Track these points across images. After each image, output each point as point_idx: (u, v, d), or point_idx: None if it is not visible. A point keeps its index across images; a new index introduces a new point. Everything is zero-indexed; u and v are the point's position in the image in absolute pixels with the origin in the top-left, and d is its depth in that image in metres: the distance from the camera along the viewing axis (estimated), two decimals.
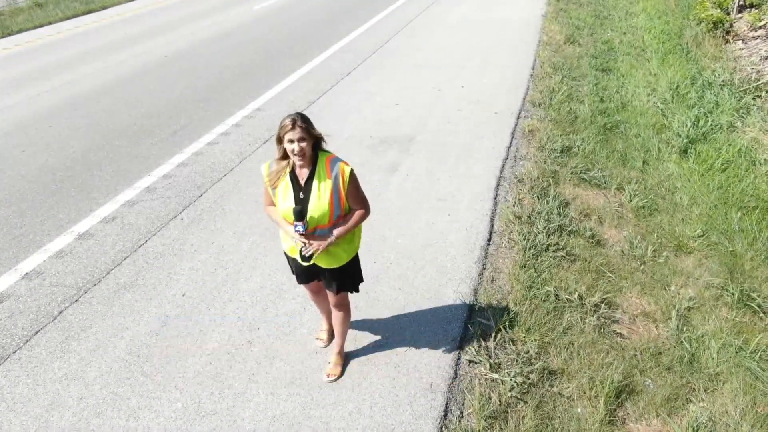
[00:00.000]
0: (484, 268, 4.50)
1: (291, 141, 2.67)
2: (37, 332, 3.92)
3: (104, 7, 16.25)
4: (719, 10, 11.92)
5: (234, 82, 9.12)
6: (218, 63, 10.22)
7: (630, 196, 5.70)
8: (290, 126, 2.65)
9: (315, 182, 2.81)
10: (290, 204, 2.81)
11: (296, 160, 2.74)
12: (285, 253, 3.21)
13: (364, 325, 3.89)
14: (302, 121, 2.68)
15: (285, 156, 2.78)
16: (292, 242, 2.98)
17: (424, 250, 4.72)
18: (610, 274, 4.60)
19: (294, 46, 11.13)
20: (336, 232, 2.91)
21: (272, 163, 2.87)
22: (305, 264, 3.00)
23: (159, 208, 5.43)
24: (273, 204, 2.97)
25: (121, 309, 4.12)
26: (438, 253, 4.66)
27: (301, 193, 2.83)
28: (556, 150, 6.37)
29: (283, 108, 7.84)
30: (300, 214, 2.78)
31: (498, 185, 5.70)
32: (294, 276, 3.36)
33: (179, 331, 3.88)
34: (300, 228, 2.81)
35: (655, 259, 4.85)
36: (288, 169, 2.82)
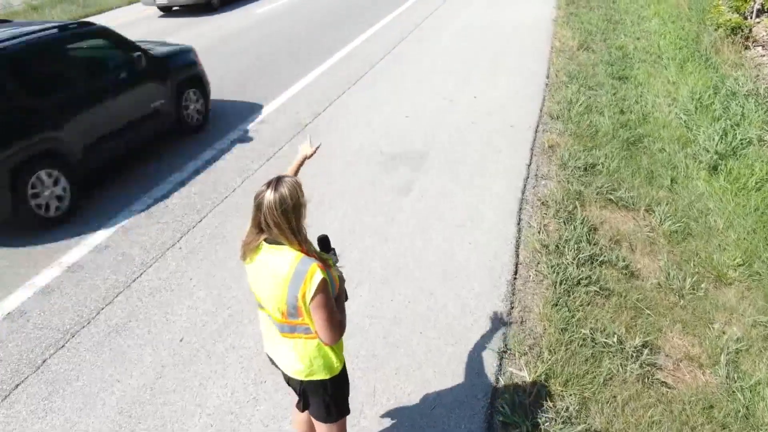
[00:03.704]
0: (512, 307, 4.10)
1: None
2: (17, 385, 3.52)
3: (101, 11, 15.85)
4: (736, 15, 11.53)
5: (235, 91, 8.72)
6: (218, 71, 9.78)
7: (661, 218, 5.31)
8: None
9: None
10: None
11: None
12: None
13: (383, 378, 3.49)
14: None
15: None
16: None
17: (444, 284, 4.32)
18: (648, 311, 4.20)
19: (298, 52, 10.73)
20: None
21: (317, 260, 2.17)
22: None
23: (155, 235, 5.02)
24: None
25: (111, 356, 3.71)
26: (460, 289, 4.26)
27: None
28: (579, 168, 5.97)
29: (288, 120, 7.44)
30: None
31: (521, 209, 5.30)
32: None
33: (176, 385, 3.48)
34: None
35: (694, 292, 4.46)
36: None
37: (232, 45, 11.44)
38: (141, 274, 4.52)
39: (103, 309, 4.15)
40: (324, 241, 2.44)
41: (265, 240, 2.18)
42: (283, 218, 2.07)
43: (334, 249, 2.47)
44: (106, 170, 5.97)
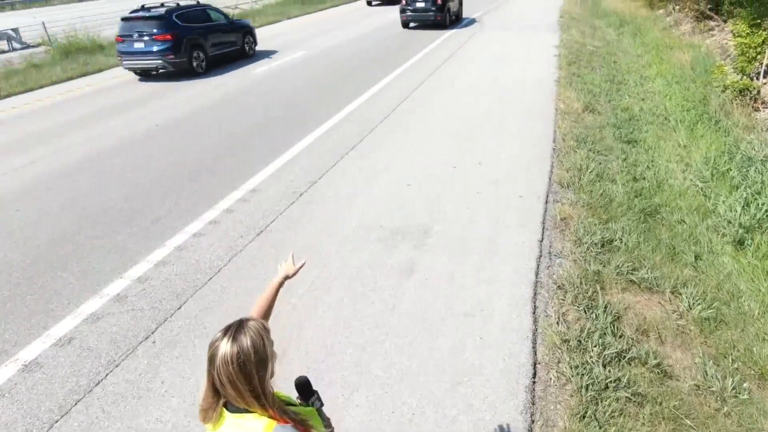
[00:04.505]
0: (533, 421, 3.52)
1: None
2: None
3: (100, 70, 15.77)
4: (742, 75, 11.35)
5: (228, 155, 8.34)
6: (212, 133, 9.48)
7: (689, 303, 4.79)
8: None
9: None
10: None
11: None
12: None
13: None
14: None
15: None
16: None
17: (453, 391, 3.75)
18: (689, 422, 3.63)
19: (295, 114, 10.45)
20: None
21: (293, 427, 1.72)
22: None
23: (127, 326, 4.48)
24: None
25: None
26: (472, 397, 3.70)
27: None
28: (596, 244, 5.49)
29: (282, 189, 7.01)
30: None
31: (535, 294, 4.79)
32: None
33: None
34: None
35: (736, 394, 3.89)
36: None
37: (230, 106, 11.18)
38: (106, 375, 3.95)
39: (57, 422, 3.56)
40: (303, 386, 2.01)
41: (225, 407, 1.66)
42: (241, 377, 1.59)
43: (316, 392, 2.01)
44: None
